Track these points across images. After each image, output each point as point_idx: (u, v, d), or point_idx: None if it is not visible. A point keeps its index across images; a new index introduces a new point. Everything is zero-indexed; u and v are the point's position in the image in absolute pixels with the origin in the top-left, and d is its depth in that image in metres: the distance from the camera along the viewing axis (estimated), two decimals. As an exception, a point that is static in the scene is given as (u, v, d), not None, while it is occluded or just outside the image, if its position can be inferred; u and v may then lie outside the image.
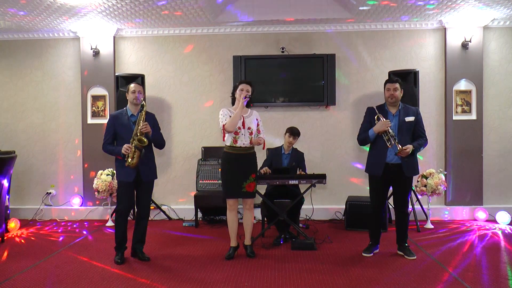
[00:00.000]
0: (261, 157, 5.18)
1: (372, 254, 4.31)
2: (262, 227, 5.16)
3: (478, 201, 5.90)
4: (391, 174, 4.13)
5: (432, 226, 5.43)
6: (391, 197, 4.45)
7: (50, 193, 6.26)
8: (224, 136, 4.19)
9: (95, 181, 5.65)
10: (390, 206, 5.32)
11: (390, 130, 4.02)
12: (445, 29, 5.92)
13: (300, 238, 4.73)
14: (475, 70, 5.89)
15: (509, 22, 5.87)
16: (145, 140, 4.00)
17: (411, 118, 4.12)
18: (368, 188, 4.38)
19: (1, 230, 4.88)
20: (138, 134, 4.00)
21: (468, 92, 5.93)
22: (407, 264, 4.01)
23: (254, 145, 4.23)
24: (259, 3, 5.76)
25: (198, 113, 6.22)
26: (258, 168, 4.62)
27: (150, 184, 4.27)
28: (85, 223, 5.90)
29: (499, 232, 5.14)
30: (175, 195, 6.23)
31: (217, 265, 4.04)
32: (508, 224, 5.48)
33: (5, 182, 4.89)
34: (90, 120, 6.18)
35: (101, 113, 6.16)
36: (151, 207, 5.88)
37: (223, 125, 4.11)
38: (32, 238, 5.13)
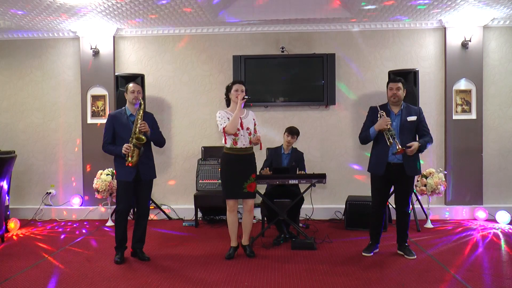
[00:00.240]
0: (260, 157, 5.19)
1: (372, 254, 4.31)
2: (262, 227, 5.16)
3: (478, 200, 5.90)
4: (393, 174, 4.13)
5: (432, 226, 5.43)
6: (391, 197, 4.46)
7: (50, 193, 6.27)
8: (225, 139, 4.19)
9: (95, 181, 5.66)
10: (390, 206, 5.31)
11: (391, 129, 4.01)
12: (445, 28, 5.91)
13: (300, 237, 4.73)
14: (475, 69, 5.88)
15: (509, 21, 5.87)
16: (143, 138, 4.01)
17: (413, 118, 4.12)
18: (369, 187, 4.38)
19: (1, 232, 4.88)
20: (136, 132, 4.01)
21: (468, 92, 5.93)
22: (407, 264, 4.01)
23: (254, 144, 4.22)
24: (258, 3, 5.76)
25: (198, 113, 6.22)
26: (259, 169, 4.62)
27: (149, 183, 4.28)
28: (85, 223, 5.90)
29: (499, 232, 5.14)
30: (175, 195, 6.23)
31: (217, 265, 4.04)
32: (508, 224, 5.48)
33: (5, 183, 4.89)
34: (90, 120, 6.18)
35: (101, 113, 6.15)
36: (151, 207, 5.91)
37: (224, 128, 4.11)
38: (32, 238, 5.13)
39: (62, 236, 5.22)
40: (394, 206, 4.41)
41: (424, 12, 5.53)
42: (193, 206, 5.71)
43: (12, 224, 5.43)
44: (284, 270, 3.89)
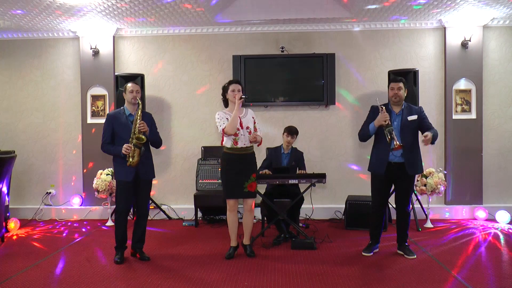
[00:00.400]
0: (261, 157, 5.19)
1: (372, 254, 4.31)
2: (262, 226, 5.16)
3: (478, 200, 5.90)
4: (394, 173, 4.13)
5: (432, 226, 5.43)
6: (391, 196, 4.46)
7: (50, 192, 6.27)
8: (222, 140, 4.19)
9: (95, 181, 5.66)
10: (390, 206, 5.31)
11: (390, 125, 3.99)
12: (444, 28, 5.91)
13: (300, 237, 4.74)
14: (475, 69, 5.88)
15: (508, 21, 5.87)
16: (144, 137, 4.02)
17: (414, 117, 4.12)
18: (369, 187, 4.38)
19: (1, 233, 4.88)
20: (136, 132, 4.01)
21: (467, 91, 5.93)
22: (407, 264, 4.01)
23: (252, 142, 4.20)
24: (258, 3, 5.76)
25: (198, 113, 6.22)
26: (258, 168, 4.61)
27: (148, 183, 4.28)
28: (85, 223, 5.90)
29: (499, 232, 5.14)
30: (175, 195, 6.23)
31: (217, 265, 4.04)
32: (508, 223, 5.48)
33: (5, 184, 4.89)
34: (89, 120, 6.18)
35: (100, 113, 6.15)
36: (151, 207, 5.92)
37: (223, 129, 4.10)
38: (32, 238, 5.13)
39: (62, 236, 5.22)
40: (394, 206, 4.41)
41: (424, 12, 5.53)
42: (193, 206, 5.71)
43: (12, 224, 5.43)
44: (284, 270, 3.89)
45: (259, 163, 4.61)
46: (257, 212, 5.56)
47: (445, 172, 5.70)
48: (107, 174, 5.64)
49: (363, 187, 5.83)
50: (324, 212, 5.98)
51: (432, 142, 4.05)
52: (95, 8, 5.22)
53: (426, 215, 5.51)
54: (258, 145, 4.31)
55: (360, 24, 6.00)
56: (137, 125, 4.01)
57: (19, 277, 3.76)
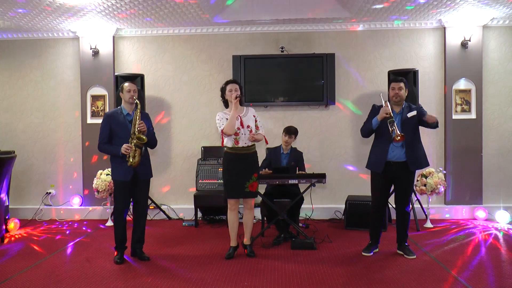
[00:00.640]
0: (260, 157, 5.18)
1: (371, 254, 4.31)
2: (261, 226, 5.16)
3: (478, 200, 5.90)
4: (393, 172, 4.13)
5: (432, 225, 5.43)
6: (391, 196, 4.46)
7: (50, 193, 6.27)
8: (223, 141, 4.19)
9: (94, 181, 5.65)
10: (390, 205, 5.31)
11: (391, 116, 3.99)
12: (444, 28, 5.91)
13: (299, 237, 4.74)
14: (475, 69, 5.88)
15: (508, 21, 5.87)
16: (144, 138, 4.02)
17: (413, 113, 4.12)
18: (369, 187, 4.38)
19: (1, 234, 4.88)
20: (136, 132, 4.01)
21: (467, 91, 5.93)
22: (407, 264, 4.01)
23: (251, 141, 4.20)
24: (258, 3, 5.76)
25: (198, 113, 6.22)
26: (259, 168, 4.62)
27: (147, 183, 4.28)
28: (85, 223, 5.90)
29: (499, 231, 5.14)
30: (174, 195, 6.23)
31: (217, 265, 4.04)
32: (508, 223, 5.48)
33: (5, 184, 4.89)
34: (89, 120, 6.18)
35: (100, 113, 6.14)
36: (151, 207, 5.93)
37: (222, 130, 4.10)
38: (32, 238, 5.13)
39: (62, 236, 5.22)
40: (393, 205, 4.42)
41: (423, 12, 5.53)
42: (193, 206, 5.71)
43: (12, 224, 5.43)
44: (284, 270, 3.89)
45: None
46: (257, 212, 5.56)
47: (445, 172, 5.70)
48: (106, 174, 5.63)
49: (363, 187, 5.83)
50: (324, 212, 5.98)
51: (435, 125, 4.06)
52: (95, 8, 5.22)
53: (426, 215, 5.51)
54: (266, 143, 4.34)
55: (360, 24, 6.00)
56: (137, 125, 4.01)
57: (19, 277, 3.76)
